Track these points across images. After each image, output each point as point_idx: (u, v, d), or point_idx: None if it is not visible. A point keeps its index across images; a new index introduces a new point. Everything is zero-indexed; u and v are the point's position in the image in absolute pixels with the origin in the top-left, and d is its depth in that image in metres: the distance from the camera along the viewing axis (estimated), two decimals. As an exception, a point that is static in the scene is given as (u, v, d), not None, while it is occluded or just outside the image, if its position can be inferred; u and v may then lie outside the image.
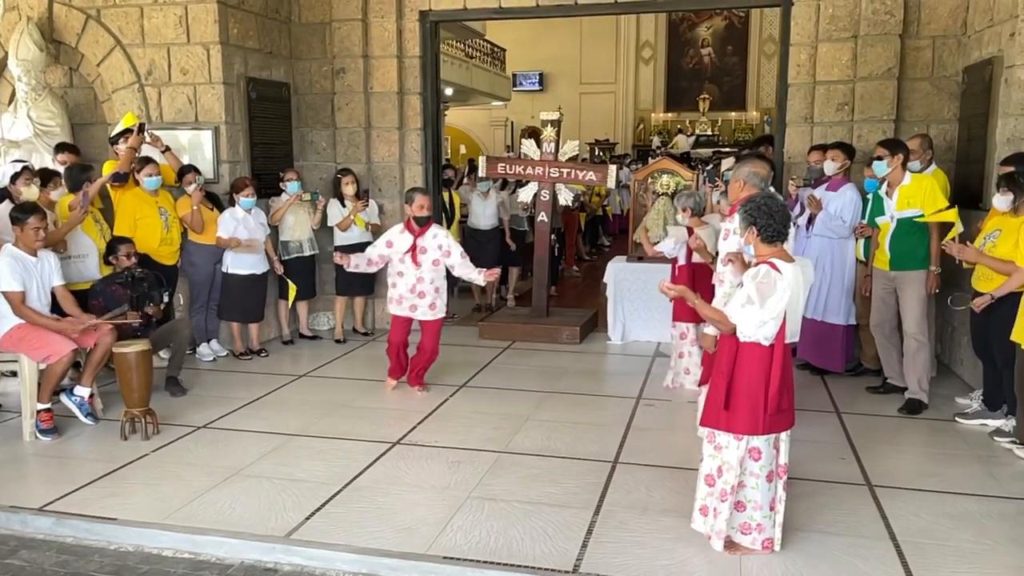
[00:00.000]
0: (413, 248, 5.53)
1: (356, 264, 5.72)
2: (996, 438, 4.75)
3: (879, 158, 5.31)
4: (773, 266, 3.19)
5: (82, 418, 5.09)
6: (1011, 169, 4.80)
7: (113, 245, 5.63)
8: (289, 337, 7.33)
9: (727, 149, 18.98)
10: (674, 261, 5.76)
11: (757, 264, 3.27)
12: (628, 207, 12.45)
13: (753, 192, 3.88)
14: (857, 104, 6.57)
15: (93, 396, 5.21)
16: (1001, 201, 4.68)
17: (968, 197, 5.78)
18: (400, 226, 5.65)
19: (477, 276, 5.66)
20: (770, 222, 3.24)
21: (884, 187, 5.40)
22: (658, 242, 6.06)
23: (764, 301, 3.17)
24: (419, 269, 5.55)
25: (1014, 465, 4.41)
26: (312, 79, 7.69)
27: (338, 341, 7.35)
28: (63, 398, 5.13)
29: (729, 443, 3.36)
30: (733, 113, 22.53)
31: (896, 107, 6.52)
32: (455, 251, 5.64)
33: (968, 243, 4.84)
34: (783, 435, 3.39)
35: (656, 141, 21.58)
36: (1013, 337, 4.43)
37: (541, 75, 23.38)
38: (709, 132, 22.29)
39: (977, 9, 6.09)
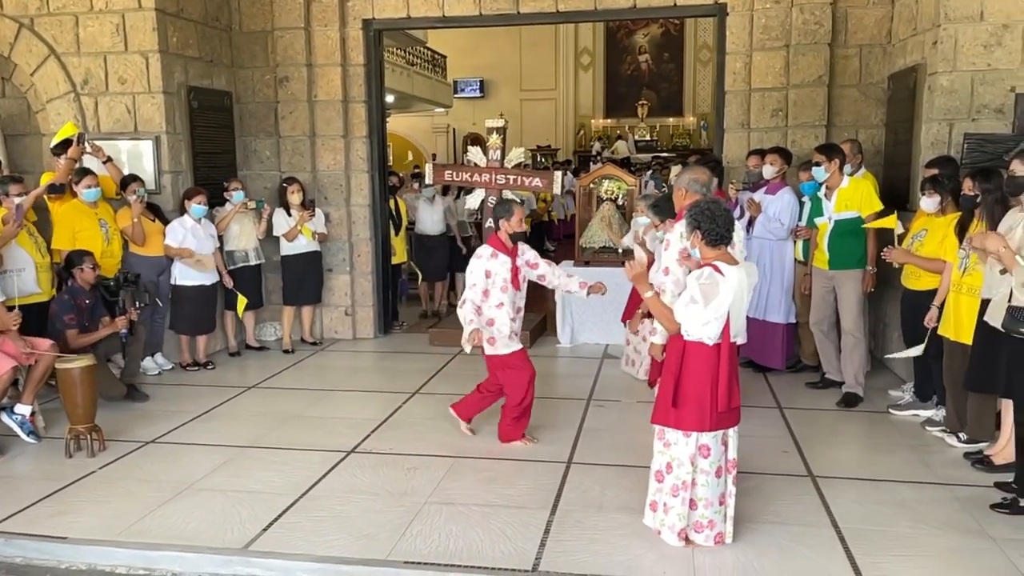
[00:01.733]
0: (515, 271, 4.80)
1: (477, 325, 4.63)
2: (927, 428, 4.99)
3: (817, 164, 5.52)
4: (716, 268, 3.32)
5: (24, 437, 4.96)
6: (935, 172, 5.06)
7: (75, 258, 5.52)
8: (236, 348, 7.24)
9: (666, 154, 19.36)
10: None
11: (701, 266, 3.40)
12: (572, 212, 12.60)
13: (696, 198, 4.01)
14: (791, 110, 6.83)
15: (35, 414, 5.09)
16: (928, 203, 4.92)
17: (896, 199, 6.05)
18: (487, 250, 4.75)
19: (576, 288, 4.90)
20: (713, 226, 3.37)
21: (823, 190, 5.62)
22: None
23: (708, 302, 3.30)
24: (518, 293, 4.85)
25: (945, 453, 4.64)
26: (255, 88, 7.62)
27: (286, 351, 7.29)
28: (3, 417, 5.00)
29: (678, 440, 3.48)
30: (671, 118, 22.99)
31: (827, 113, 6.79)
32: (541, 261, 4.95)
33: (895, 244, 5.08)
34: (731, 431, 3.52)
35: (597, 147, 21.86)
36: (940, 331, 4.67)
37: (482, 82, 23.49)
38: (648, 137, 22.69)
39: (901, 19, 6.39)
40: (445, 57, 20.88)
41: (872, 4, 6.65)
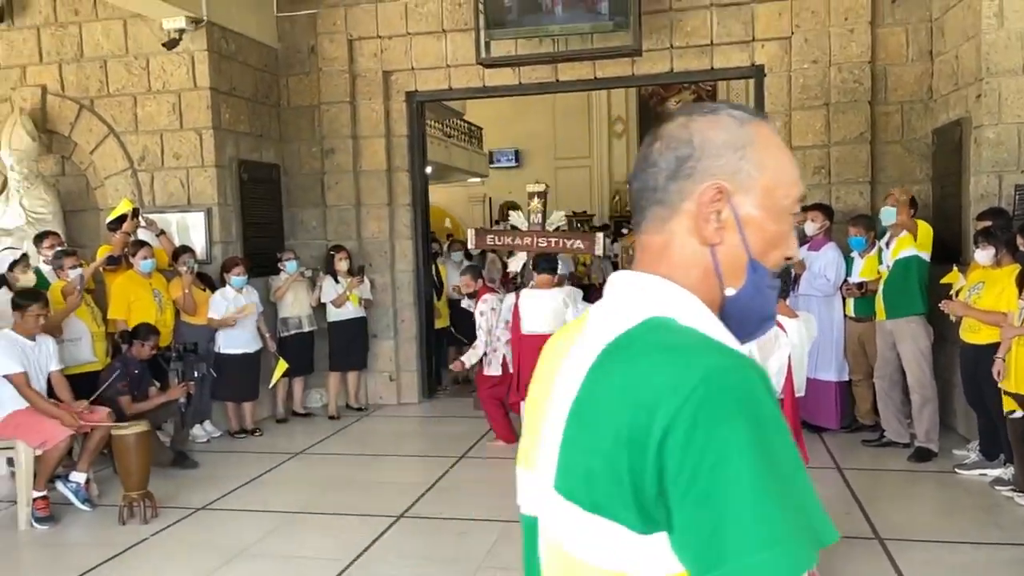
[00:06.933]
0: None
1: None
2: (996, 487, 4.80)
3: (892, 206, 5.53)
4: (777, 323, 3.28)
5: (79, 504, 5.00)
6: (988, 223, 4.99)
7: (142, 332, 5.68)
8: (283, 415, 7.27)
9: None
10: None
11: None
12: (611, 275, 12.56)
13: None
14: (833, 167, 6.81)
15: (89, 481, 5.13)
16: (983, 256, 4.84)
17: (947, 253, 5.95)
18: None
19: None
20: None
21: (886, 238, 5.63)
22: None
23: (765, 357, 3.25)
24: None
25: (1015, 512, 4.45)
26: (302, 160, 7.84)
27: (332, 417, 7.30)
28: (59, 485, 5.04)
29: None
30: (706, 182, 23.07)
31: (871, 169, 6.76)
32: None
33: (954, 296, 4.99)
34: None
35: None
36: (1001, 384, 4.53)
37: (517, 152, 23.89)
38: (683, 202, 22.76)
39: (941, 75, 6.41)
40: (481, 129, 21.33)
41: (911, 61, 6.68)
